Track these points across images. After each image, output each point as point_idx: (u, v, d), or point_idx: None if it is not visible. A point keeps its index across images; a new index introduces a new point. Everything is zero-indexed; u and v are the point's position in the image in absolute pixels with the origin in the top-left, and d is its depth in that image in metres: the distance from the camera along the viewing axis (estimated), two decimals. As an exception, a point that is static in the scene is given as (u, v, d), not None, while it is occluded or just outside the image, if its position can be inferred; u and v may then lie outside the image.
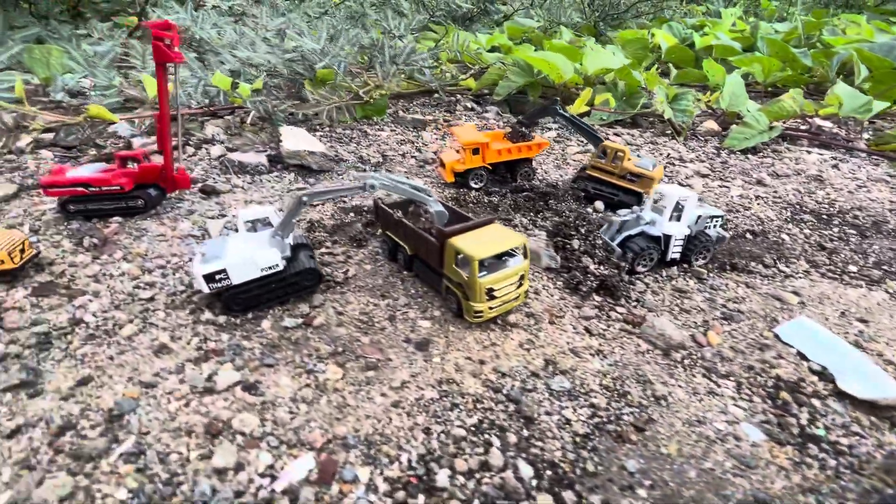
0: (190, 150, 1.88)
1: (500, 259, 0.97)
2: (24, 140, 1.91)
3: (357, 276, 1.15)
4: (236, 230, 1.32)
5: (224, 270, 0.94)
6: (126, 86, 2.13)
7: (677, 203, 1.16)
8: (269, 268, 0.97)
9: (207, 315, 0.97)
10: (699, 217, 1.19)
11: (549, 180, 1.75)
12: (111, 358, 0.87)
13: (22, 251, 1.08)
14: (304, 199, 0.99)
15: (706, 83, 2.77)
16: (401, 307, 1.02)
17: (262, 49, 2.43)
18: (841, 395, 0.84)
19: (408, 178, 1.10)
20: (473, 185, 1.66)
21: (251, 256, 0.96)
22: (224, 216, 1.41)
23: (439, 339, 0.92)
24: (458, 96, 2.77)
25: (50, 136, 1.89)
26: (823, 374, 0.89)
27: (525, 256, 0.98)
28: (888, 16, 4.46)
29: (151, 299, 1.04)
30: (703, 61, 2.69)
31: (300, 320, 0.97)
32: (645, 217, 1.20)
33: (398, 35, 2.64)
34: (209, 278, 0.93)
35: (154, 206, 1.42)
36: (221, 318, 0.96)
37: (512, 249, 0.97)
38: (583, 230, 1.20)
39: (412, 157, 1.95)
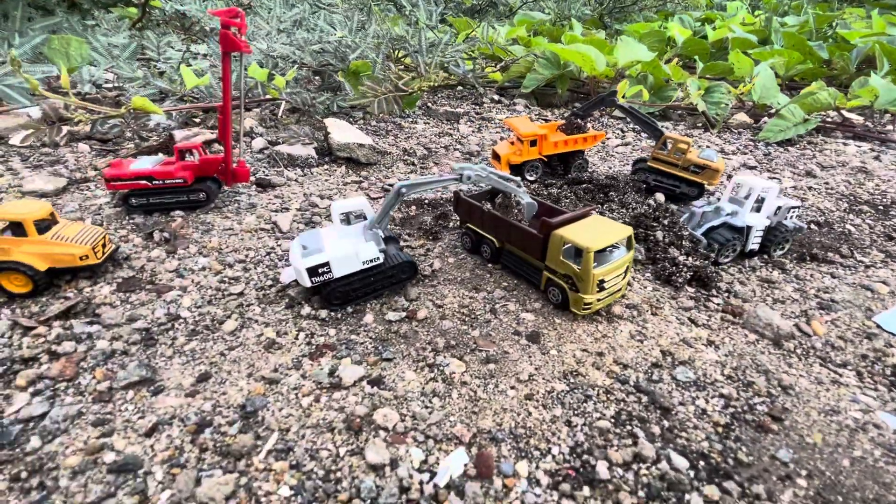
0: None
1: (604, 251, 0.97)
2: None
3: (443, 269, 1.13)
4: (309, 224, 1.30)
5: (327, 264, 0.92)
6: (149, 77, 2.06)
7: (759, 194, 1.16)
8: (371, 261, 0.95)
9: (307, 310, 0.95)
10: (779, 208, 1.20)
11: (599, 172, 1.75)
12: (222, 354, 0.84)
13: (104, 245, 1.04)
14: (403, 189, 0.97)
15: (731, 76, 2.79)
16: (498, 300, 1.01)
17: (280, 40, 2.38)
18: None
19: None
20: (529, 178, 1.65)
21: (354, 250, 0.93)
22: (287, 209, 1.38)
23: (549, 332, 0.91)
24: (484, 89, 2.76)
25: (82, 128, 1.83)
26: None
27: (629, 247, 0.97)
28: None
29: (241, 294, 1.01)
30: (731, 54, 2.70)
31: (403, 314, 0.95)
32: (724, 208, 1.21)
33: (430, 25, 2.60)
34: (312, 272, 0.91)
35: (213, 200, 1.38)
36: (322, 313, 0.94)
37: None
38: (665, 221, 1.20)
39: (455, 149, 1.93)
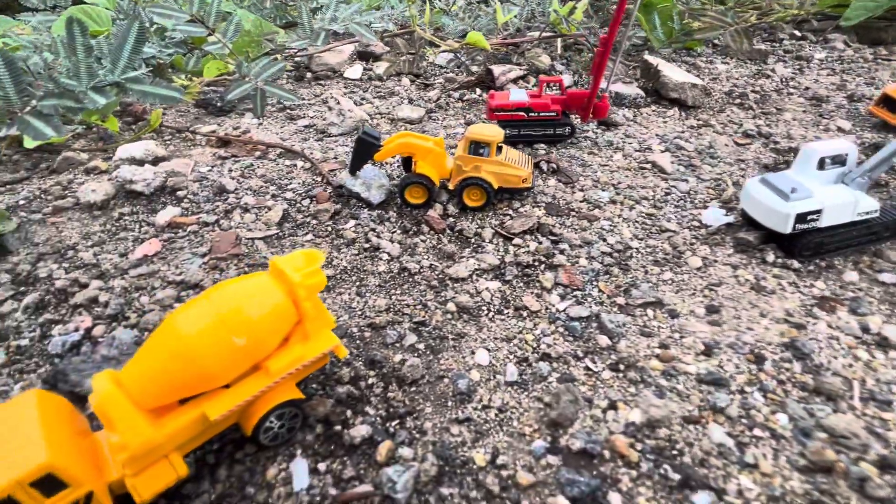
0: (532, 79, 1.85)
1: None
2: (381, 66, 2.06)
3: None
4: (689, 167, 1.23)
5: (819, 211, 0.86)
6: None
7: None
8: (866, 213, 0.87)
9: (770, 257, 0.92)
10: None
11: None
12: (709, 288, 0.87)
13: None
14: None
15: None
16: None
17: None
18: None
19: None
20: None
21: (853, 199, 0.86)
22: (650, 149, 1.34)
23: None
24: (779, 23, 2.34)
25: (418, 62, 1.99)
26: None
27: None
28: None
29: (674, 232, 1.02)
30: None
31: None
32: None
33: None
34: (801, 218, 0.86)
35: (575, 135, 1.41)
36: (793, 262, 0.90)
37: None
38: None
39: (787, 93, 1.68)
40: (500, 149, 1.10)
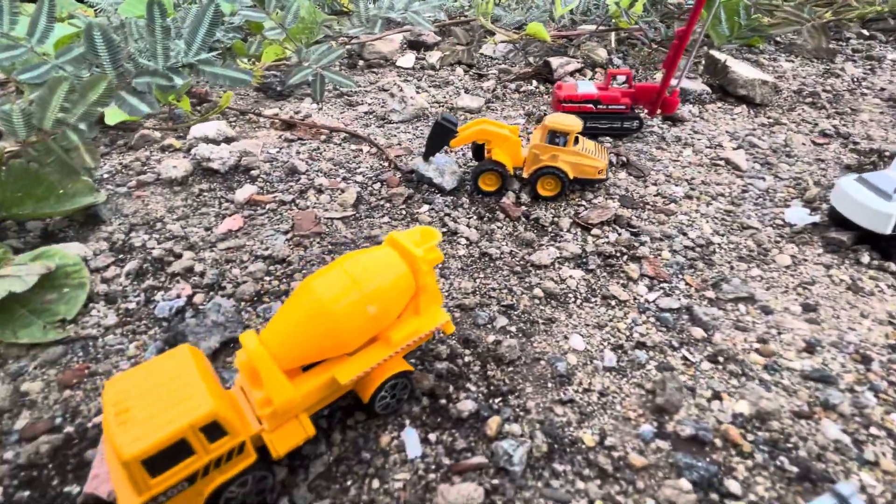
0: (588, 73, 1.84)
1: None
2: (434, 56, 2.07)
3: None
4: (766, 165, 1.20)
5: (922, 211, 0.84)
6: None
7: None
8: None
9: (866, 258, 0.90)
10: None
11: None
12: (803, 286, 0.85)
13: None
14: None
15: None
16: None
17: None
18: None
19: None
20: None
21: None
22: (721, 146, 1.32)
23: None
24: (846, 22, 2.27)
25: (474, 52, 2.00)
26: None
27: None
28: None
29: (756, 229, 1.01)
30: None
31: None
32: None
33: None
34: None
35: (642, 129, 1.40)
36: (891, 265, 0.88)
37: None
38: None
39: (861, 93, 1.63)
40: (576, 140, 1.10)
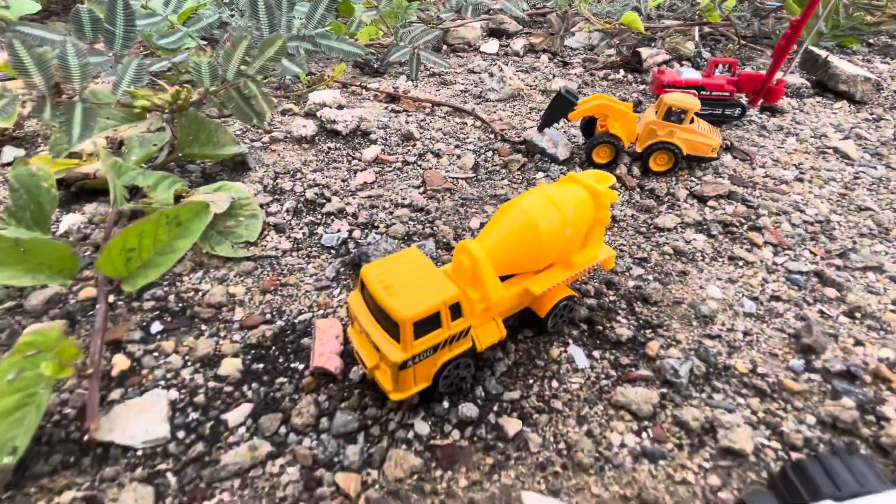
0: (675, 64, 1.88)
1: None
2: (519, 42, 2.15)
3: None
4: (876, 155, 1.23)
5: None
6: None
7: None
8: None
9: None
10: None
11: None
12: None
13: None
14: None
15: None
16: None
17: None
18: None
19: None
20: None
21: None
22: (825, 135, 1.35)
23: None
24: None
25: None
26: None
27: None
28: None
29: (876, 212, 1.05)
30: None
31: None
32: None
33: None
34: None
35: (744, 117, 1.44)
36: None
37: None
38: None
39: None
40: (692, 119, 1.16)
